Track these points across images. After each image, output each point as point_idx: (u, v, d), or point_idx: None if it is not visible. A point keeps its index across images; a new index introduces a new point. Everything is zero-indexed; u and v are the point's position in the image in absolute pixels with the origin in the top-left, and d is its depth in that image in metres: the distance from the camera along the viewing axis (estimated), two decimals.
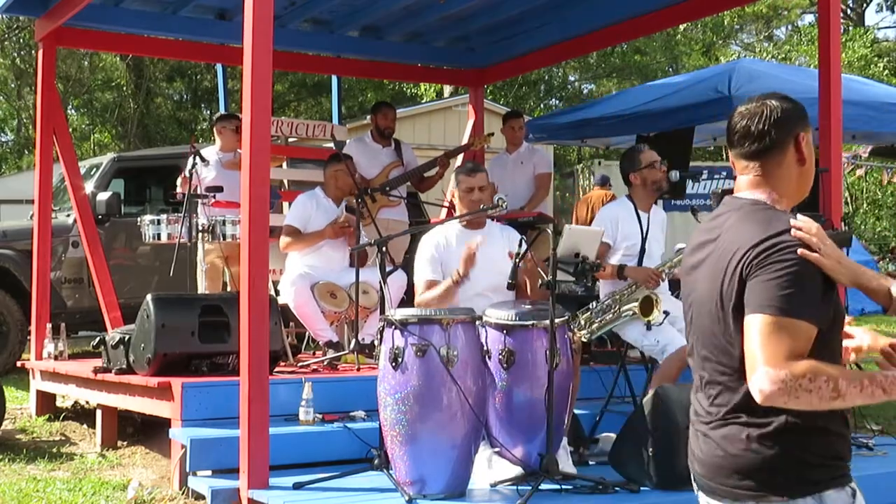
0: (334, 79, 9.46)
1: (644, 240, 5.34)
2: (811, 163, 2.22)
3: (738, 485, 2.10)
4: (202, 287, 6.92)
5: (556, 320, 4.23)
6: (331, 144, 7.38)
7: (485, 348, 4.28)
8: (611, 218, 5.49)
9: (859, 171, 15.09)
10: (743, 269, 2.06)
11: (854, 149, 13.04)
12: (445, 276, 4.95)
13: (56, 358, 6.83)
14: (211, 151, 7.27)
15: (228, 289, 6.99)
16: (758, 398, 1.96)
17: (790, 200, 2.22)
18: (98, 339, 6.00)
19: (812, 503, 2.05)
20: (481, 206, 4.97)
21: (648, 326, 5.02)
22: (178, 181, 7.02)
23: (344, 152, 6.75)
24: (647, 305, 4.96)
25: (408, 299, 6.26)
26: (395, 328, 4.10)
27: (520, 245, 4.67)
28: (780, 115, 2.19)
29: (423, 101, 19.38)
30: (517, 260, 4.58)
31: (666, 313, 5.03)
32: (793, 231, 2.04)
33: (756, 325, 1.99)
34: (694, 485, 2.24)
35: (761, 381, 1.95)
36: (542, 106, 25.94)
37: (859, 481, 4.90)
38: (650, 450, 4.27)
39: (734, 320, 2.08)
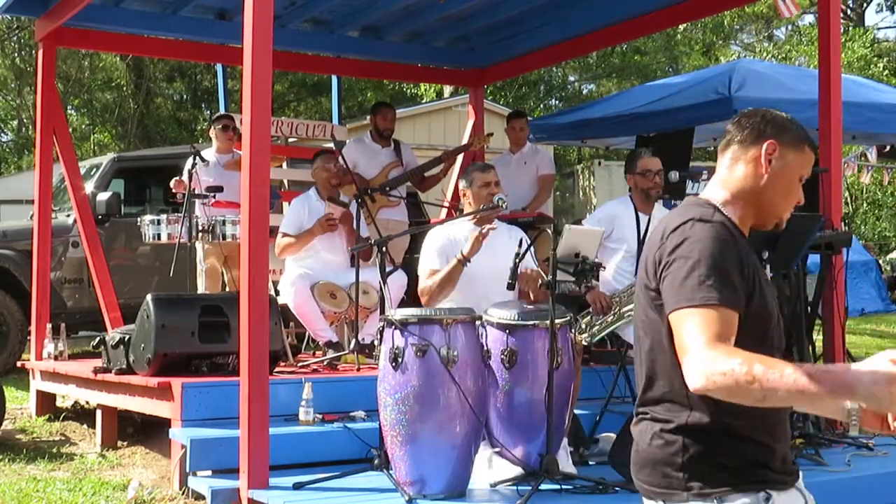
0: (334, 79, 9.46)
1: (640, 242, 5.34)
2: (781, 182, 2.15)
3: (647, 480, 2.09)
4: (202, 287, 6.92)
5: (558, 320, 4.23)
6: (331, 144, 7.38)
7: (486, 348, 4.28)
8: (607, 215, 5.51)
9: (864, 179, 15.03)
10: (657, 265, 2.07)
11: (854, 150, 13.04)
12: None
13: (56, 358, 6.83)
14: (209, 153, 7.30)
15: (228, 289, 6.99)
16: (690, 387, 1.89)
17: (748, 208, 2.17)
18: (98, 339, 6.00)
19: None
20: (481, 206, 4.96)
21: None
22: (172, 183, 7.00)
23: (347, 154, 6.76)
24: None
25: (408, 299, 6.26)
26: (395, 328, 4.10)
27: (520, 245, 4.66)
28: (763, 118, 2.18)
29: (423, 101, 19.38)
30: (517, 260, 4.58)
31: None
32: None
33: (676, 322, 1.96)
34: None
35: (686, 372, 1.89)
36: (542, 106, 25.95)
37: (859, 481, 4.87)
38: None
39: (651, 312, 2.08)
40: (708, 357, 1.85)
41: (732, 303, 1.95)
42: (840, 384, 1.75)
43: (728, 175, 2.19)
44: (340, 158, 6.61)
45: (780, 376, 1.78)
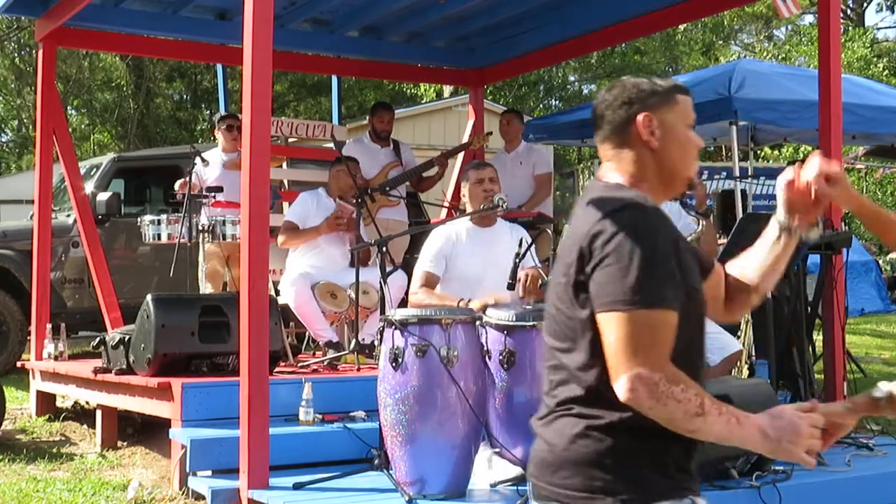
0: (334, 79, 9.46)
1: None
2: (673, 145, 2.04)
3: (563, 484, 1.90)
4: (203, 288, 6.92)
5: None
6: (331, 144, 7.38)
7: (485, 349, 4.28)
8: None
9: (859, 165, 15.10)
10: (584, 257, 1.91)
11: (855, 149, 13.07)
12: (450, 270, 4.96)
13: (56, 358, 6.83)
14: (215, 152, 7.30)
15: (228, 289, 6.99)
16: (623, 398, 1.81)
17: (654, 186, 2.05)
18: (98, 339, 6.00)
19: None
20: (481, 206, 4.97)
21: None
22: (176, 185, 6.99)
23: (347, 154, 6.76)
24: None
25: (408, 299, 6.26)
26: (396, 328, 4.10)
27: (520, 245, 4.66)
28: (620, 94, 2.06)
29: (423, 101, 19.39)
30: (517, 259, 4.58)
31: None
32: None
33: (611, 324, 1.83)
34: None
35: (631, 381, 1.79)
36: (541, 106, 25.97)
37: (860, 482, 4.87)
38: None
39: (575, 307, 1.93)
40: (667, 375, 1.81)
41: (674, 303, 1.85)
42: (758, 430, 1.85)
43: (619, 164, 2.06)
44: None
45: (719, 413, 1.83)
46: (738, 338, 5.83)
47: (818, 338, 6.80)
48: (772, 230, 2.21)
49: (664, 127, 2.04)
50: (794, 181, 2.12)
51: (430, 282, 4.99)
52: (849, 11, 27.87)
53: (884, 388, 2.05)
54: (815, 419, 1.86)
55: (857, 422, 2.03)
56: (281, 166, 8.26)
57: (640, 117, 2.02)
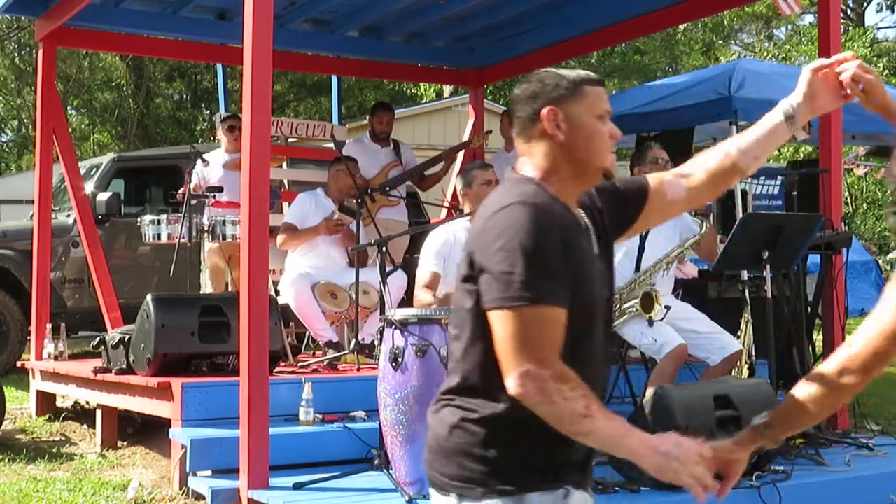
0: (334, 79, 9.46)
1: (643, 237, 5.32)
2: (581, 137, 2.03)
3: (443, 472, 1.98)
4: (206, 288, 6.92)
5: None
6: (331, 144, 7.39)
7: None
8: None
9: (859, 171, 15.12)
10: (473, 254, 1.94)
11: (855, 149, 13.07)
12: (448, 271, 4.98)
13: (56, 358, 6.83)
14: (217, 153, 7.29)
15: (230, 289, 6.99)
16: (513, 394, 1.84)
17: (565, 178, 2.05)
18: (98, 339, 6.00)
19: None
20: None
21: (650, 322, 5.01)
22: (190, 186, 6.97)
23: (347, 154, 6.76)
24: (648, 301, 4.96)
25: (407, 299, 6.27)
26: (395, 328, 4.11)
27: None
28: (527, 88, 2.08)
29: (423, 101, 19.38)
30: None
31: (667, 308, 5.03)
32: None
33: (501, 322, 1.85)
34: None
35: (520, 377, 1.82)
36: None
37: (859, 481, 4.86)
38: None
39: (466, 301, 1.96)
40: (556, 373, 1.82)
41: (561, 300, 1.86)
42: (641, 444, 1.86)
43: (531, 157, 2.08)
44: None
45: (606, 418, 1.83)
46: (738, 338, 5.82)
47: (818, 338, 6.80)
48: (775, 115, 2.21)
49: (570, 120, 2.04)
50: (822, 70, 2.20)
51: (434, 282, 5.01)
52: (849, 11, 27.86)
53: (764, 415, 2.06)
54: (702, 448, 1.88)
55: (748, 456, 2.06)
56: (281, 166, 8.26)
57: (544, 111, 2.04)
